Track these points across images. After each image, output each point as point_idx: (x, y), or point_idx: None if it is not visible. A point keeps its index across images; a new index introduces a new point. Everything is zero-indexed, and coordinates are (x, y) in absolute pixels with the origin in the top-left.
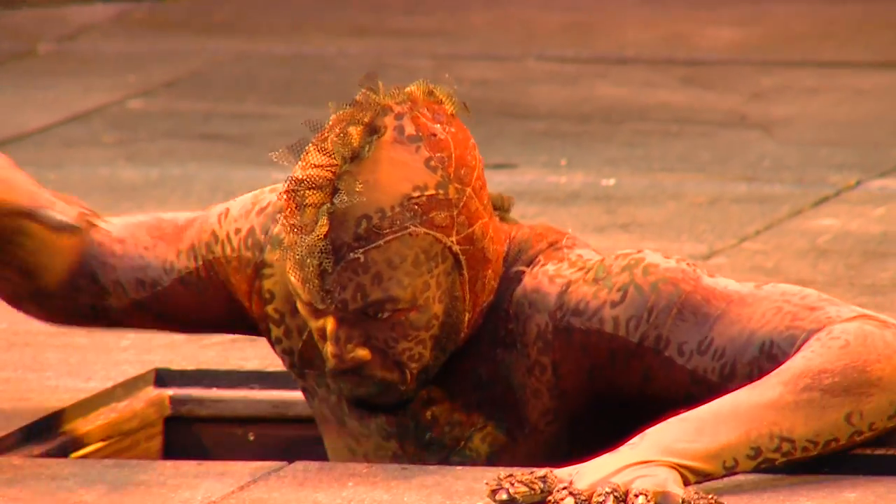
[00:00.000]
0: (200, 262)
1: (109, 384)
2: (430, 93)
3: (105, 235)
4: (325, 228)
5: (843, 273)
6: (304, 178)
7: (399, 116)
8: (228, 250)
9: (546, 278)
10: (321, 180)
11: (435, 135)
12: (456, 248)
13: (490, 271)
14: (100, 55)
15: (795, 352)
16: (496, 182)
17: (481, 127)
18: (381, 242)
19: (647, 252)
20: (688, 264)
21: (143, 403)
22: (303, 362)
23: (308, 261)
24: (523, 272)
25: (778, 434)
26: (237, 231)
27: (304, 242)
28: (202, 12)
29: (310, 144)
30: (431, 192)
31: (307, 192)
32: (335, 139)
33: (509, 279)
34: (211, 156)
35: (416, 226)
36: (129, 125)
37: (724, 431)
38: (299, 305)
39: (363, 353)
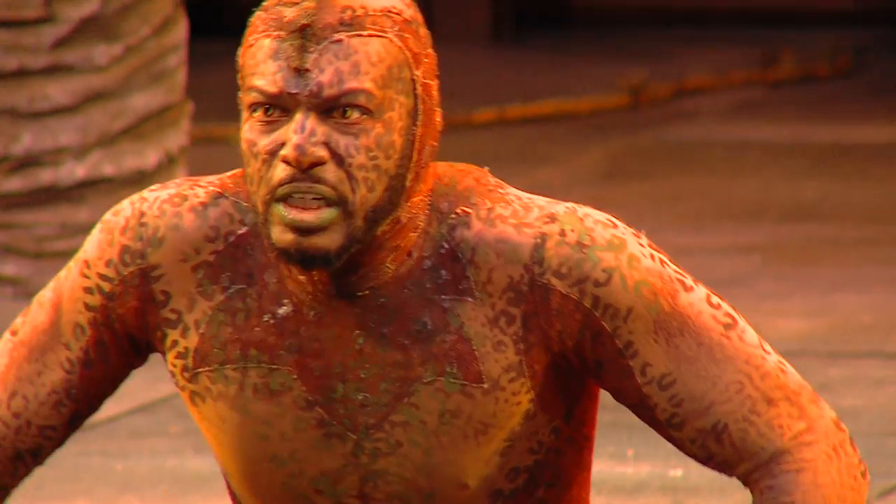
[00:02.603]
0: (89, 331)
1: None
2: None
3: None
4: (314, 3)
5: None
6: None
7: None
8: (108, 287)
9: (510, 227)
10: None
11: None
12: (419, 87)
13: (430, 147)
14: None
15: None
16: None
17: None
18: (363, 34)
19: (623, 229)
20: (661, 262)
21: None
22: (197, 360)
23: (288, 42)
24: (468, 214)
25: None
26: (108, 262)
27: (290, 12)
28: None
29: None
30: (407, 17)
31: None
32: None
33: (444, 214)
34: None
35: (394, 36)
36: None
37: None
38: (246, 132)
39: (323, 152)
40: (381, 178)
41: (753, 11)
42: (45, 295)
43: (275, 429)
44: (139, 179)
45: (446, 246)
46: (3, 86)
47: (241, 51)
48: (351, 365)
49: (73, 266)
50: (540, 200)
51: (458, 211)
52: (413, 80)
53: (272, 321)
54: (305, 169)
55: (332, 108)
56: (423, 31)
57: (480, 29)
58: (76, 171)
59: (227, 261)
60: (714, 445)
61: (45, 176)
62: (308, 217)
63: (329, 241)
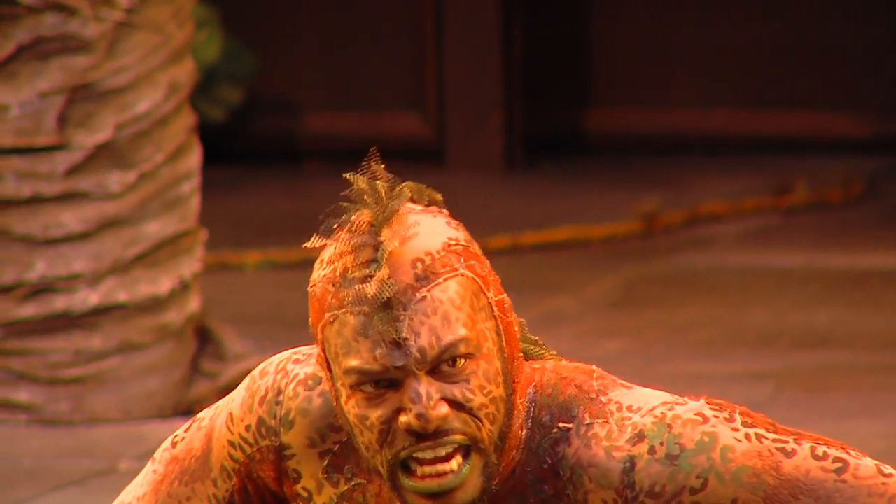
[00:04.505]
0: (235, 478)
1: None
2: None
3: None
4: (387, 271)
5: None
6: (347, 245)
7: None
8: (248, 449)
9: (601, 450)
10: (362, 239)
11: (444, 213)
12: (495, 308)
13: (517, 363)
14: None
15: None
16: None
17: None
18: (440, 281)
19: (713, 419)
20: (758, 437)
21: None
22: None
23: (376, 318)
24: (568, 429)
25: None
26: (248, 427)
27: (370, 288)
28: None
29: (337, 228)
30: (464, 243)
31: (353, 255)
32: (367, 196)
33: (547, 428)
34: None
35: (462, 269)
36: None
37: None
38: (352, 407)
39: (445, 410)
40: (499, 407)
41: (766, 139)
42: (205, 418)
43: None
44: (153, 306)
45: (549, 461)
46: (17, 213)
47: (316, 323)
48: None
49: (223, 408)
50: (636, 415)
51: (560, 425)
52: (490, 303)
53: None
54: (432, 433)
55: (438, 365)
56: (476, 247)
57: (493, 157)
58: (90, 298)
59: (350, 452)
60: None
61: (59, 303)
62: (448, 479)
63: (471, 492)
